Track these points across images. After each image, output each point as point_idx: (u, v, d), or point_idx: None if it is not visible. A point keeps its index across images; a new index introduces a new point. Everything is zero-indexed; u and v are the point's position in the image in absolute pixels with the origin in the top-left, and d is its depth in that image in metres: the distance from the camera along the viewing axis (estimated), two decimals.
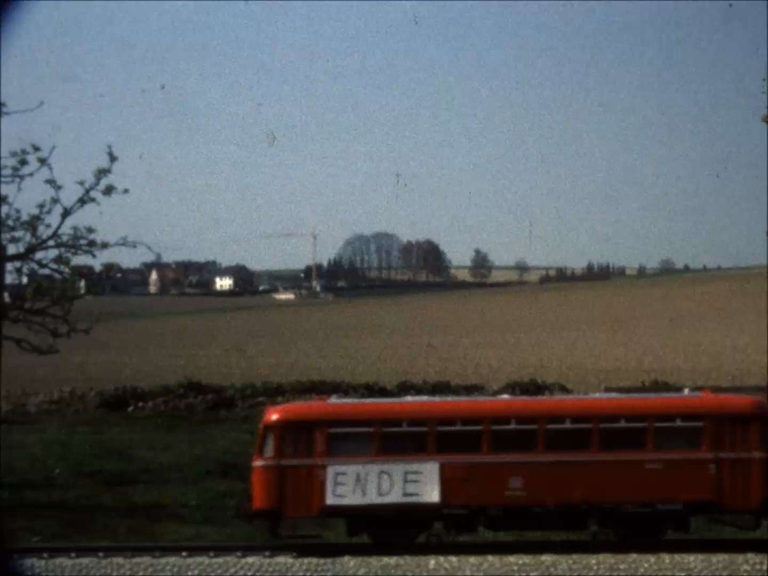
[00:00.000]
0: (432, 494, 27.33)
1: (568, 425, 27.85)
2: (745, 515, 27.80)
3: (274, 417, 28.06)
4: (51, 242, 35.87)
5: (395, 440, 27.72)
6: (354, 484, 27.32)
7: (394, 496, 27.29)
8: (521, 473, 27.49)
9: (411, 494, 27.35)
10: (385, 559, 25.63)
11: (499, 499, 27.39)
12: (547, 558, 25.68)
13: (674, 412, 28.07)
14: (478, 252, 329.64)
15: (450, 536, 27.81)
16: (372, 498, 27.24)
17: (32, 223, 35.46)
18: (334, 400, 29.93)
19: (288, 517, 27.55)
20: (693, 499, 27.38)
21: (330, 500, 27.22)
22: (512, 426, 27.84)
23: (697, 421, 27.73)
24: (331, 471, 27.32)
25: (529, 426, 27.80)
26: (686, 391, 31.77)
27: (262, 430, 27.93)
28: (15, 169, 34.62)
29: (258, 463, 27.74)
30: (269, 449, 27.63)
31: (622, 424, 27.83)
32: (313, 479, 27.33)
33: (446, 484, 27.38)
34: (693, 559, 25.38)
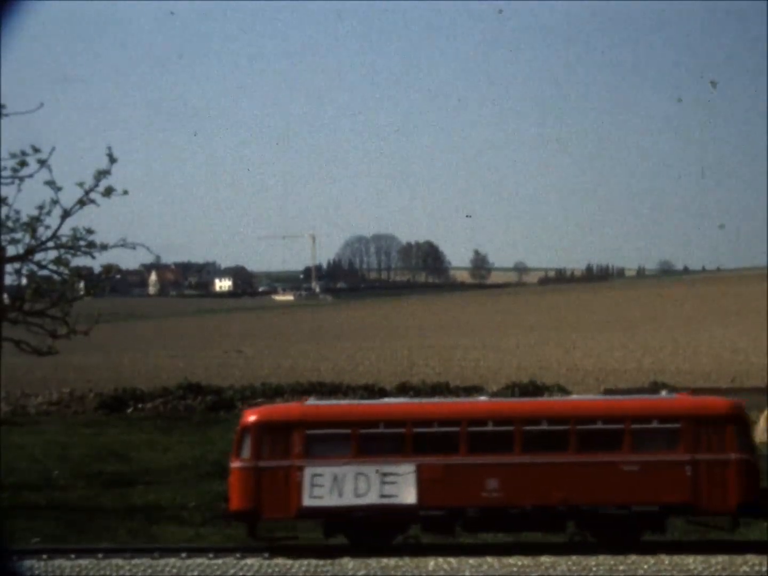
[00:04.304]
0: (409, 496, 27.38)
1: (545, 427, 27.92)
2: (722, 517, 27.86)
3: (252, 418, 28.17)
4: (50, 243, 35.86)
5: (372, 442, 27.78)
6: (331, 485, 27.39)
7: (371, 498, 27.35)
8: (498, 475, 27.54)
9: (388, 496, 27.41)
10: (385, 561, 25.64)
11: (477, 501, 27.44)
12: (546, 559, 25.69)
13: (651, 414, 28.12)
14: (477, 253, 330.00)
15: (428, 538, 27.88)
16: (349, 499, 27.30)
17: (32, 225, 35.44)
18: (312, 401, 30.16)
19: (265, 518, 27.70)
20: (669, 501, 27.43)
21: (307, 501, 27.30)
22: (489, 427, 27.94)
23: (674, 422, 27.78)
24: (308, 472, 27.40)
25: (506, 427, 27.86)
26: (664, 392, 32.04)
27: (239, 432, 28.10)
28: (15, 170, 34.59)
29: (235, 464, 27.85)
30: (246, 451, 27.74)
31: (599, 425, 27.91)
32: (291, 481, 27.41)
33: (423, 485, 27.44)
34: (692, 561, 25.39)
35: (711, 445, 27.58)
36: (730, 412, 28.06)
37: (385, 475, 27.51)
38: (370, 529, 27.48)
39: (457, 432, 27.76)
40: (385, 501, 27.38)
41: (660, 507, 27.48)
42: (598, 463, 27.57)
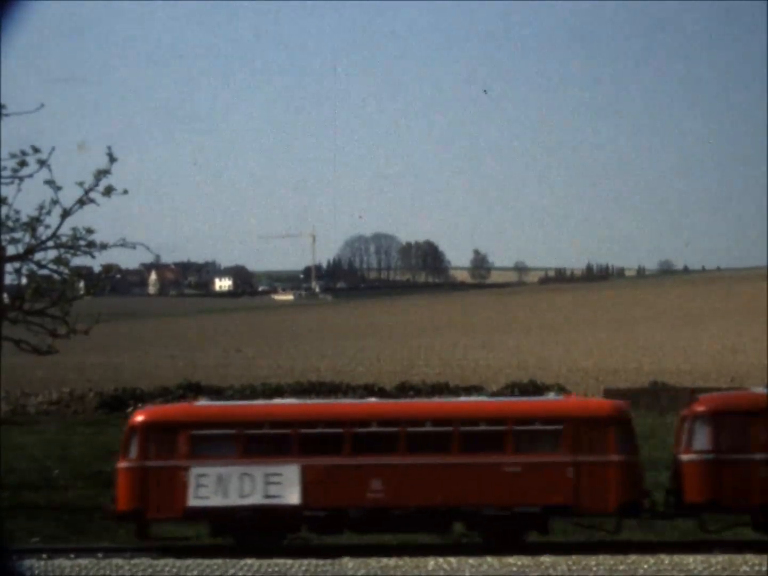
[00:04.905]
0: (292, 496, 27.54)
1: (428, 428, 28.00)
2: (604, 517, 28.06)
3: (139, 419, 28.37)
4: (50, 243, 35.82)
5: (258, 442, 28.01)
6: (216, 485, 27.53)
7: (256, 498, 27.49)
8: (382, 475, 27.72)
9: (272, 496, 27.56)
10: (384, 560, 25.63)
11: (360, 501, 27.63)
12: (546, 559, 25.68)
13: (533, 416, 28.31)
14: (477, 253, 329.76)
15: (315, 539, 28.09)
16: (234, 500, 27.41)
17: (32, 224, 35.39)
18: (202, 402, 30.33)
19: (151, 518, 27.78)
20: (551, 502, 27.62)
21: (192, 502, 27.47)
22: (373, 428, 28.05)
23: (556, 424, 27.94)
24: (193, 473, 27.54)
25: (390, 429, 27.99)
26: (551, 394, 32.32)
27: (126, 432, 28.23)
28: (15, 170, 34.56)
29: (122, 464, 28.12)
30: (133, 451, 27.97)
31: (482, 427, 27.99)
32: (176, 481, 27.58)
33: (307, 486, 27.62)
34: (692, 560, 25.37)
35: (592, 447, 27.73)
36: (611, 414, 28.26)
37: (269, 475, 27.60)
38: (255, 530, 27.56)
39: (342, 433, 27.90)
40: (270, 501, 27.52)
41: (542, 508, 27.66)
42: (480, 464, 27.74)
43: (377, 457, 27.82)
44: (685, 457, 28.39)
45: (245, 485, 27.55)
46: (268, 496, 27.58)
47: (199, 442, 27.88)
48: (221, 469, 27.57)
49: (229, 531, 27.89)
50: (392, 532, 28.30)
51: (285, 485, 27.59)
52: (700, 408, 28.77)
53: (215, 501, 27.45)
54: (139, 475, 27.76)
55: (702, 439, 28.13)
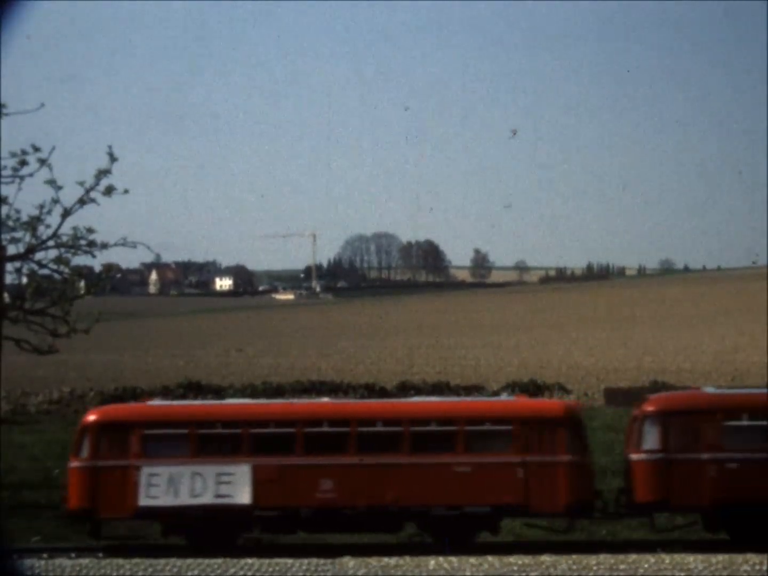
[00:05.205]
0: (243, 496, 27.58)
1: (379, 428, 28.05)
2: (554, 517, 28.22)
3: (91, 418, 28.51)
4: (51, 242, 35.83)
5: (210, 442, 28.08)
6: (167, 485, 27.61)
7: (207, 498, 27.53)
8: (332, 475, 27.84)
9: (223, 496, 27.60)
10: (385, 560, 25.62)
11: (311, 501, 27.74)
12: (546, 558, 25.66)
13: (484, 416, 28.40)
14: (477, 252, 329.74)
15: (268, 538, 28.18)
16: (184, 499, 27.45)
17: (32, 224, 35.40)
18: (155, 402, 30.38)
19: (102, 517, 27.88)
20: (501, 501, 27.71)
21: (143, 501, 27.57)
22: (324, 428, 28.07)
23: (507, 424, 28.03)
24: (144, 472, 27.60)
25: (340, 429, 28.02)
26: (504, 395, 32.37)
27: (78, 432, 28.28)
28: (15, 169, 34.58)
29: (74, 464, 28.23)
30: (85, 450, 28.08)
31: (433, 427, 27.98)
32: (128, 480, 27.66)
33: (258, 485, 27.68)
34: (693, 560, 25.34)
35: (543, 447, 27.83)
36: (561, 414, 28.39)
37: (220, 475, 27.60)
38: (207, 530, 27.59)
39: (293, 433, 27.96)
40: (221, 501, 27.56)
41: (492, 508, 27.71)
42: (430, 464, 27.83)
43: (328, 457, 27.95)
44: (634, 456, 28.51)
45: (196, 485, 27.64)
46: (219, 496, 27.67)
47: (150, 442, 28.01)
48: (172, 468, 27.68)
49: (180, 531, 27.91)
50: (343, 531, 28.40)
51: (236, 485, 27.68)
52: (649, 408, 28.91)
53: (166, 501, 27.55)
54: (90, 475, 27.88)
55: (651, 438, 28.25)
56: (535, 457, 27.76)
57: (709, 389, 30.84)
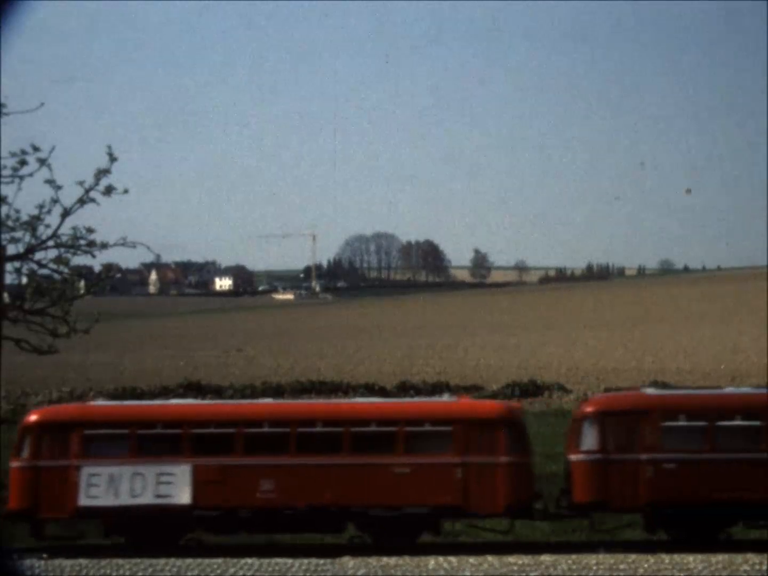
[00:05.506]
0: (183, 496, 27.62)
1: (319, 429, 28.12)
2: (492, 518, 28.19)
3: (32, 418, 28.53)
4: (51, 242, 35.77)
5: (151, 442, 28.10)
6: (107, 485, 27.64)
7: (147, 498, 27.57)
8: (273, 476, 27.87)
9: (163, 496, 27.64)
10: (385, 559, 25.64)
11: (251, 502, 27.75)
12: (546, 558, 25.67)
13: (423, 417, 28.39)
14: (477, 252, 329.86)
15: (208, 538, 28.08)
16: (125, 499, 27.51)
17: (32, 224, 35.35)
18: (97, 402, 30.45)
19: (42, 517, 27.91)
20: (440, 502, 27.73)
21: (83, 501, 27.58)
22: (265, 429, 28.16)
23: (446, 425, 28.05)
24: (85, 472, 27.65)
25: (281, 429, 28.10)
26: (445, 395, 32.44)
27: (20, 432, 28.35)
28: (15, 169, 34.53)
29: (14, 464, 28.20)
30: (26, 450, 28.08)
31: (373, 428, 28.08)
32: (68, 480, 27.69)
33: (198, 486, 27.71)
34: (692, 559, 25.36)
35: (482, 448, 27.86)
36: (501, 415, 28.38)
37: (161, 475, 27.64)
38: (147, 530, 27.61)
39: (233, 433, 28.04)
40: (161, 501, 27.60)
41: (431, 509, 27.74)
42: (369, 465, 27.86)
43: (268, 458, 27.98)
44: (573, 457, 28.54)
45: (136, 485, 27.68)
46: (159, 496, 27.72)
47: (91, 442, 28.05)
48: (113, 468, 27.73)
49: (121, 531, 27.94)
50: (283, 532, 28.45)
51: (176, 485, 27.73)
52: (588, 409, 28.97)
53: (106, 501, 27.59)
54: (30, 475, 27.90)
55: (589, 439, 28.27)
56: (474, 458, 27.81)
57: (649, 390, 30.80)
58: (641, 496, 27.82)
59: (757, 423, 28.14)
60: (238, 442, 28.06)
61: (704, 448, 28.07)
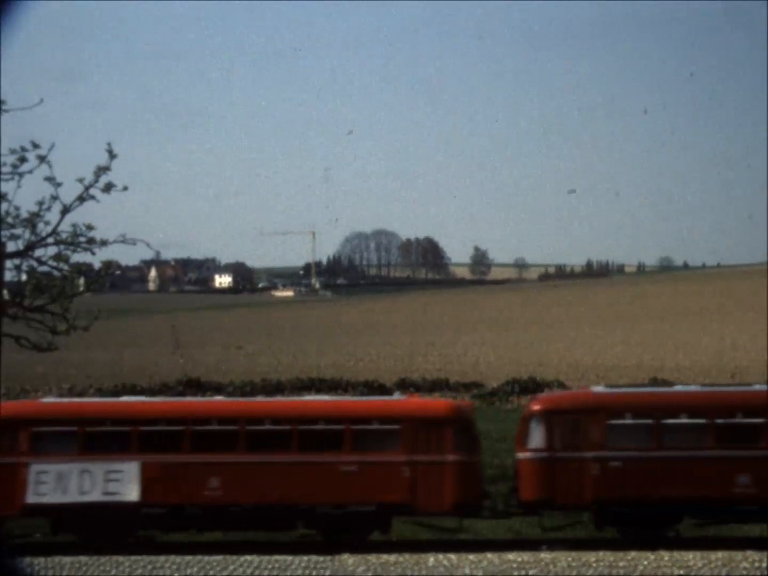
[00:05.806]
0: (131, 493, 27.63)
1: (267, 427, 28.10)
2: (441, 515, 28.19)
3: None
4: (50, 239, 35.76)
5: (99, 440, 28.09)
6: (56, 482, 27.63)
7: (95, 495, 27.57)
8: (220, 473, 27.89)
9: (111, 493, 27.64)
10: (384, 557, 25.64)
11: (198, 499, 27.79)
12: (546, 555, 25.67)
13: (371, 416, 28.44)
14: (477, 249, 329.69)
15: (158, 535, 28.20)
16: (73, 497, 27.49)
17: (31, 221, 35.33)
18: (47, 399, 30.40)
19: None
20: (387, 500, 27.78)
21: (31, 499, 27.59)
22: (213, 427, 28.14)
23: (394, 424, 28.09)
24: (33, 469, 27.62)
25: (229, 427, 28.08)
26: (396, 394, 32.41)
27: None
28: (14, 166, 34.52)
29: None
30: None
31: (320, 426, 28.05)
32: (16, 478, 27.67)
33: (146, 483, 27.75)
34: (692, 557, 25.37)
35: (429, 447, 27.90)
36: (449, 414, 28.46)
37: (109, 472, 27.62)
38: (96, 527, 27.61)
39: (181, 431, 28.05)
40: (109, 498, 27.61)
41: (378, 506, 27.76)
42: (316, 463, 27.90)
43: (215, 455, 27.98)
44: (521, 455, 28.61)
45: (85, 482, 27.66)
46: (107, 493, 27.72)
47: (39, 439, 28.04)
48: (61, 466, 27.70)
49: (69, 528, 27.93)
50: (231, 529, 28.44)
51: (124, 482, 27.75)
52: (535, 407, 29.03)
53: (54, 498, 27.61)
54: None
55: (536, 437, 28.34)
56: (422, 456, 27.85)
57: (597, 388, 30.80)
58: (587, 494, 27.86)
59: (702, 421, 28.14)
60: (186, 439, 28.06)
61: (650, 446, 28.08)
